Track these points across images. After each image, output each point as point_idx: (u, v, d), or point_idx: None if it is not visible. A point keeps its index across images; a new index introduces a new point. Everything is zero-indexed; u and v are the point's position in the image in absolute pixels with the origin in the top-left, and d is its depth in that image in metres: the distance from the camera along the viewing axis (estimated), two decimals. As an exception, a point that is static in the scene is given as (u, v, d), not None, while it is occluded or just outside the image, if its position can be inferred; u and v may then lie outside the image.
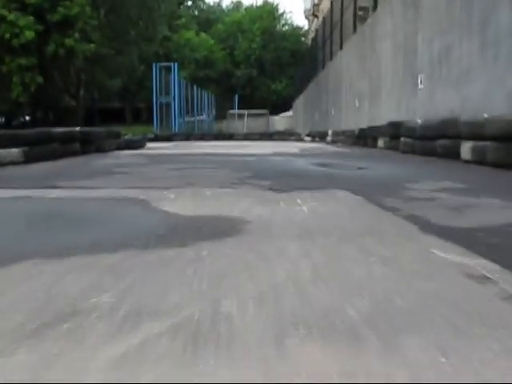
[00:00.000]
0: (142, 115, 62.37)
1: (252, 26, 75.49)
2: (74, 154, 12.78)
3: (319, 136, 24.93)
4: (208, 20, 79.65)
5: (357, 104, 23.53)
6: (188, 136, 30.85)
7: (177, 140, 29.72)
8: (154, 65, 37.16)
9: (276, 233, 3.34)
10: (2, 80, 31.97)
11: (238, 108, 57.27)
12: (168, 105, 38.04)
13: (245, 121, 49.95)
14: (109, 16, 38.14)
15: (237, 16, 77.70)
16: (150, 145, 20.73)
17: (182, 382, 1.45)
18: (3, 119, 50.83)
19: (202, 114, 52.78)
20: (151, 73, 37.48)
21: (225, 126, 52.73)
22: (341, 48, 27.77)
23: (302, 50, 76.16)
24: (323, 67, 35.35)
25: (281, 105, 69.55)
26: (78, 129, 14.14)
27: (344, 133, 21.09)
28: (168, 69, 37.82)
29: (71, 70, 35.40)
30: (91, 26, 33.22)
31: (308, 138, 26.53)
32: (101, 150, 14.40)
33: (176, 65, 37.35)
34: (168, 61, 54.86)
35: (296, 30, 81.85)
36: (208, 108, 55.85)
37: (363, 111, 22.42)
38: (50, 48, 31.35)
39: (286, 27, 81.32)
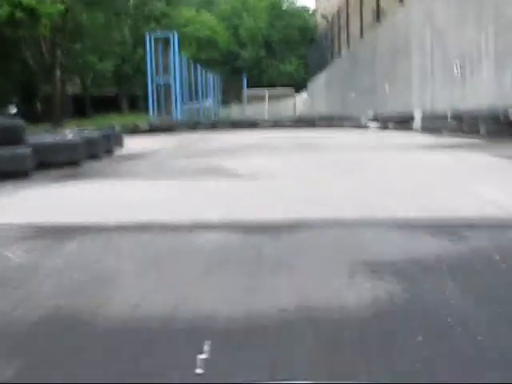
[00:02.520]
0: (139, 103, 52.95)
1: (258, 3, 66.07)
2: None
3: (395, 120, 15.74)
4: (209, -2, 69.83)
5: (457, 70, 14.32)
6: (194, 125, 21.60)
7: (181, 131, 20.60)
8: (147, 35, 27.82)
9: None
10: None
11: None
12: (167, 87, 28.81)
13: (266, 102, 39.58)
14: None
15: (240, -8, 67.85)
16: (136, 143, 11.79)
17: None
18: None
19: (207, 99, 43.71)
20: (144, 46, 28.14)
21: (234, 111, 43.18)
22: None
23: (311, 27, 67.20)
24: (362, 35, 26.59)
25: (292, 87, 60.37)
26: None
27: (458, 117, 11.99)
28: (166, 41, 28.49)
29: (42, 45, 26.00)
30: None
31: (374, 125, 17.42)
32: None
33: (176, 35, 27.94)
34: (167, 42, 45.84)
35: (304, 9, 72.21)
36: (214, 92, 46.72)
37: (477, 80, 13.26)
38: (3, 11, 21.75)
39: (294, 4, 71.72)
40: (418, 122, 14.50)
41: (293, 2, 72.49)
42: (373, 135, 12.49)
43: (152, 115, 27.77)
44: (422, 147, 9.28)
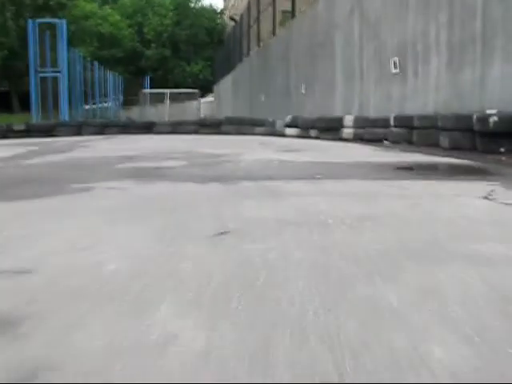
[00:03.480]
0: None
1: (164, 0, 62.26)
2: None
3: (320, 127, 12.67)
4: (112, -7, 65.11)
5: (395, 68, 11.59)
6: (79, 128, 17.86)
7: (62, 134, 16.90)
8: (29, 22, 23.63)
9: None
10: None
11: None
12: (56, 81, 24.74)
13: (167, 103, 35.62)
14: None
15: (146, -12, 63.64)
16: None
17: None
18: None
19: (106, 100, 39.70)
20: (26, 34, 23.91)
21: (136, 113, 39.28)
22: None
23: (219, 28, 64.16)
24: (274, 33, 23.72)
25: (197, 89, 56.82)
26: None
27: (405, 123, 9.16)
28: (52, 29, 24.41)
29: None
30: None
31: (292, 132, 14.31)
32: None
33: (64, 23, 23.88)
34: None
35: (212, 8, 68.89)
36: (115, 93, 42.81)
37: (423, 80, 10.58)
38: None
39: (201, 3, 68.32)
40: (349, 130, 11.57)
41: (200, 1, 69.34)
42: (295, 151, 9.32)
43: (35, 114, 23.65)
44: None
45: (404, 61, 11.42)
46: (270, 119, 16.58)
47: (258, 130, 16.34)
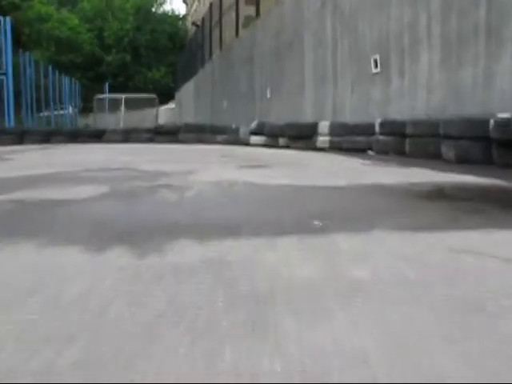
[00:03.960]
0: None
1: (124, 5, 59.90)
2: None
3: (290, 134, 10.83)
4: (70, -4, 62.49)
5: (374, 68, 9.96)
6: (21, 136, 15.81)
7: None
8: (-31, 19, 21.38)
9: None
10: None
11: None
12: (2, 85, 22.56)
13: (121, 109, 33.10)
14: None
15: (106, -9, 61.18)
16: None
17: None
18: None
19: (62, 107, 37.46)
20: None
21: (93, 120, 36.99)
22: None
23: (181, 34, 62.14)
24: (237, 35, 22.01)
25: (159, 96, 54.66)
26: None
27: (394, 130, 7.48)
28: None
29: None
30: None
31: (257, 139, 12.42)
32: None
33: (8, 21, 21.67)
34: (17, 38, 39.63)
35: (174, 14, 66.78)
36: (71, 100, 40.63)
37: (409, 80, 8.99)
38: None
39: (163, 8, 66.27)
40: (324, 138, 9.81)
41: (161, 6, 67.17)
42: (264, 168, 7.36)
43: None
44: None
45: (386, 58, 9.77)
46: (233, 126, 14.76)
47: (220, 138, 14.50)
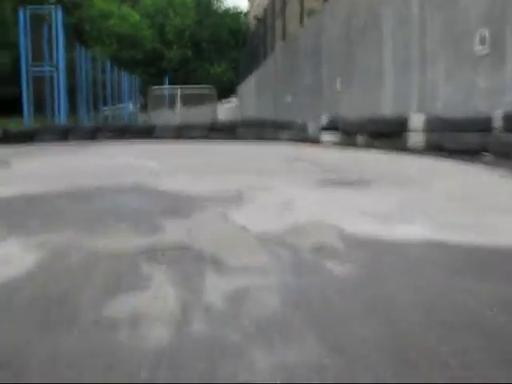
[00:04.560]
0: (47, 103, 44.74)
1: (185, 0, 58.76)
2: None
3: (371, 131, 8.77)
4: (133, -7, 61.88)
5: (480, 45, 7.80)
6: (65, 133, 14.39)
7: (41, 142, 13.49)
8: (20, 12, 20.15)
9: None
10: None
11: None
12: (52, 79, 21.34)
13: (177, 103, 30.99)
14: None
15: (166, -12, 60.20)
16: None
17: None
18: None
19: (121, 103, 36.68)
20: (18, 25, 20.46)
21: (151, 116, 35.76)
22: None
23: (243, 30, 60.54)
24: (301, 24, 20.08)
25: (220, 91, 53.28)
26: None
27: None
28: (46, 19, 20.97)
29: None
30: None
31: (330, 137, 10.40)
32: None
33: (59, 11, 20.33)
34: (80, 35, 39.15)
35: (235, 9, 65.28)
36: (132, 96, 39.84)
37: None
38: None
39: (223, 4, 64.96)
40: (418, 136, 7.73)
41: (222, 2, 65.86)
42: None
43: (27, 116, 20.24)
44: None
45: (498, 34, 7.61)
46: (299, 121, 12.76)
47: (284, 134, 12.56)
